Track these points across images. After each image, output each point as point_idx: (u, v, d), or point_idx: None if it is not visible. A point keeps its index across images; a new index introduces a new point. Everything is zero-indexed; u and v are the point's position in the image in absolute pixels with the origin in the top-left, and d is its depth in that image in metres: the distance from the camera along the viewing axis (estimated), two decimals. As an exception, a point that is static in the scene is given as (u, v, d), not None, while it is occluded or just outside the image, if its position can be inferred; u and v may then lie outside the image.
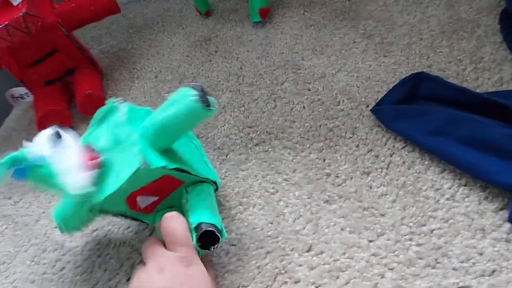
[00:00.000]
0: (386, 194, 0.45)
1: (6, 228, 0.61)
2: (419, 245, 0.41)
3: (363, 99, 0.55)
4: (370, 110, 0.52)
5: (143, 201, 0.44)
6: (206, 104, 0.39)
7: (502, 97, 0.44)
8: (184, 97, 0.39)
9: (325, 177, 0.49)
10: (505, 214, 0.40)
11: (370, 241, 0.43)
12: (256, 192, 0.51)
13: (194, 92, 0.38)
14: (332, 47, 0.63)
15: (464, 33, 0.57)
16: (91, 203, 0.40)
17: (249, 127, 0.58)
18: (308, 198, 0.48)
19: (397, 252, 0.41)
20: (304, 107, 0.57)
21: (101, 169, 0.40)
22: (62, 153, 0.37)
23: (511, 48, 0.52)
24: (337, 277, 0.41)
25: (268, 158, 0.54)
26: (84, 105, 0.68)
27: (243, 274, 0.44)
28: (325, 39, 0.65)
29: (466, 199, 0.42)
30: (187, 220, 0.42)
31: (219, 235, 0.40)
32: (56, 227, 0.50)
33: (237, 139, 0.58)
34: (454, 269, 0.38)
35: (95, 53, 0.83)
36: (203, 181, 0.46)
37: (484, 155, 0.41)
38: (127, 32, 0.85)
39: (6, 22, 0.60)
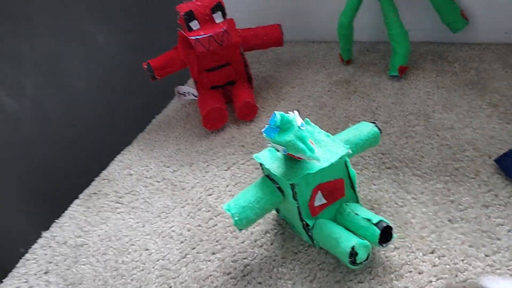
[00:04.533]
0: (502, 224, 0.55)
1: (166, 188, 0.76)
2: (530, 266, 0.50)
3: (487, 152, 0.66)
4: (494, 160, 0.63)
5: (318, 199, 0.56)
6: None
7: None
8: (365, 125, 0.61)
9: (449, 202, 0.60)
10: None
11: (486, 255, 0.53)
12: (386, 202, 0.63)
13: (374, 125, 0.60)
14: (461, 107, 0.75)
15: None
16: (303, 176, 0.53)
17: (382, 154, 0.71)
18: (434, 215, 0.59)
19: (510, 266, 0.51)
20: (433, 148, 0.69)
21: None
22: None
23: None
24: (456, 276, 0.51)
25: (398, 179, 0.66)
26: (242, 110, 0.84)
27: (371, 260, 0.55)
28: (454, 100, 0.77)
29: None
30: (356, 217, 0.55)
31: (392, 233, 0.53)
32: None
33: (371, 161, 0.70)
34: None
35: (246, 74, 1.01)
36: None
37: None
38: (275, 63, 1.03)
39: (211, 33, 0.79)
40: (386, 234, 0.53)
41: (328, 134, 0.58)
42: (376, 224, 0.52)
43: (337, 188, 0.57)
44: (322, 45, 1.04)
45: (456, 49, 0.91)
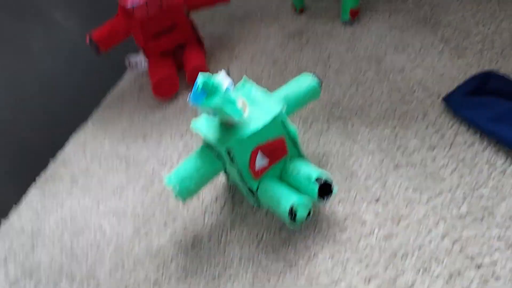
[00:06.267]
0: (446, 165, 0.54)
1: (120, 164, 0.75)
2: (470, 204, 0.49)
3: (436, 91, 0.64)
4: (443, 98, 0.61)
5: (259, 161, 0.54)
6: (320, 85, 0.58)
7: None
8: (305, 77, 0.58)
9: (395, 148, 0.59)
10: (550, 189, 0.48)
11: (429, 198, 0.52)
12: (333, 155, 0.61)
13: (314, 76, 0.58)
14: (413, 47, 0.72)
15: (535, 45, 0.64)
16: (236, 140, 0.51)
17: (332, 104, 0.69)
18: (379, 163, 0.58)
19: (451, 208, 0.50)
20: (382, 93, 0.67)
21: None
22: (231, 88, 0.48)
23: None
24: (398, 223, 0.51)
25: (346, 130, 0.64)
26: (192, 75, 0.82)
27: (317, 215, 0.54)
28: (407, 40, 0.74)
29: (517, 175, 0.50)
30: (297, 175, 0.53)
31: (333, 187, 0.51)
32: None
33: (320, 113, 0.68)
34: (497, 224, 0.47)
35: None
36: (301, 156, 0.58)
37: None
38: (228, 20, 0.99)
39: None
40: (326, 189, 0.51)
41: (265, 91, 0.56)
42: (315, 180, 0.51)
43: (278, 147, 0.56)
44: (275, -5, 1.00)
45: (410, -16, 0.86)
